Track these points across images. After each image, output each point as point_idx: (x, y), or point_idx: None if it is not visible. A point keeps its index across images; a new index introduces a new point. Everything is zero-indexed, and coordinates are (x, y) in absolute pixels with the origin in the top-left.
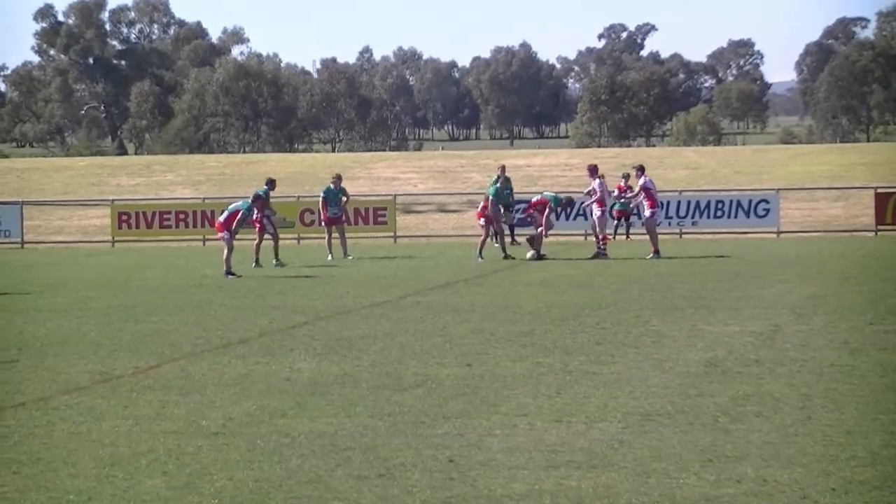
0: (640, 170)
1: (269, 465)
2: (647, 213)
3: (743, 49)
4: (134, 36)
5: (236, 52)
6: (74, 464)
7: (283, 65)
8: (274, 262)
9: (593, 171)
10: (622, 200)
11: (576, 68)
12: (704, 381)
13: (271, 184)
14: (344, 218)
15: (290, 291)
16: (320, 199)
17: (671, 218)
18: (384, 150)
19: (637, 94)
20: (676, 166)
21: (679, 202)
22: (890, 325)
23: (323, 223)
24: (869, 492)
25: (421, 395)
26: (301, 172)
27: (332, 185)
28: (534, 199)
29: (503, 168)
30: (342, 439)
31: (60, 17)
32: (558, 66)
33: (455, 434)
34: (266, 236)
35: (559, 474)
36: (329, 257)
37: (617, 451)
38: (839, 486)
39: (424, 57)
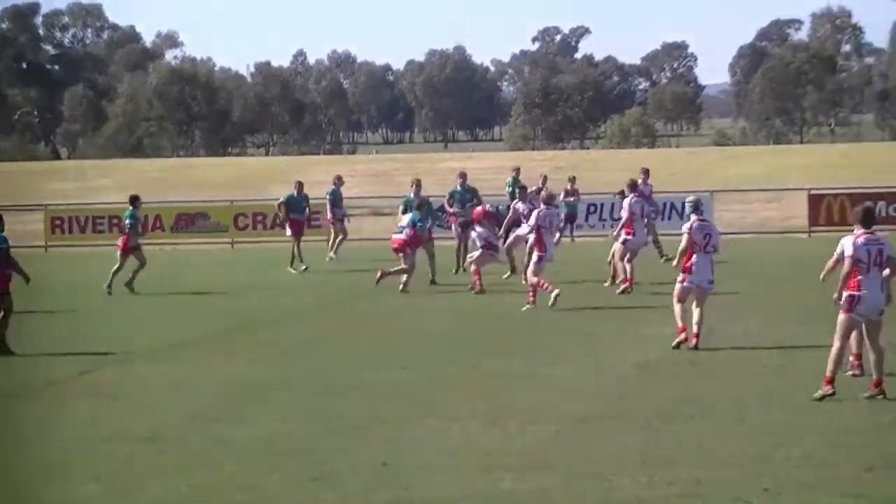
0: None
1: (204, 470)
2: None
3: (676, 51)
4: (68, 40)
5: (170, 56)
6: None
7: (217, 69)
8: (331, 255)
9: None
10: (568, 202)
11: (510, 71)
12: (639, 383)
13: (339, 181)
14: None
15: (227, 296)
16: (400, 210)
17: (605, 220)
18: (318, 154)
19: (571, 96)
20: (611, 169)
21: (613, 204)
22: (822, 326)
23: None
24: (803, 492)
25: (355, 399)
26: (236, 177)
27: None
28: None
29: (518, 170)
30: (277, 444)
31: None
32: (492, 69)
33: (389, 438)
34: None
35: (493, 478)
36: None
37: (551, 454)
38: (772, 486)
39: (359, 60)
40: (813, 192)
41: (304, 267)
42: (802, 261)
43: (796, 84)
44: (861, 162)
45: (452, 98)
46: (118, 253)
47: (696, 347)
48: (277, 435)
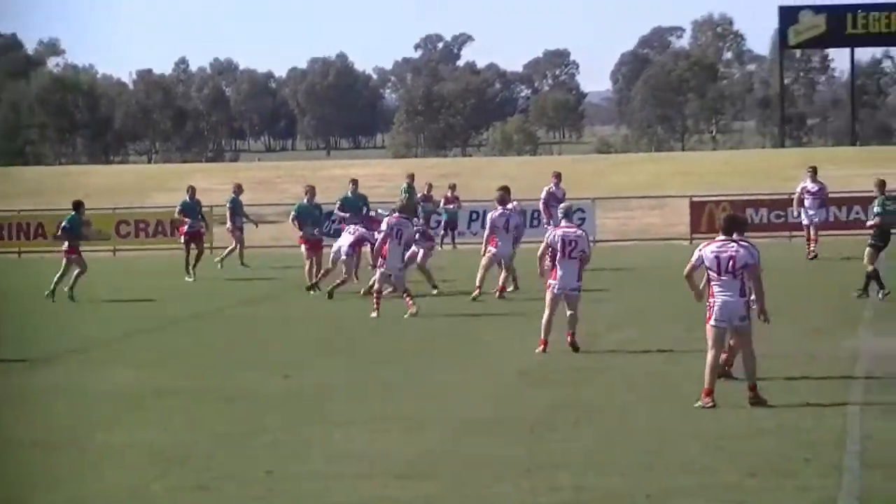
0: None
1: (88, 478)
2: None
3: (558, 59)
4: None
5: (52, 63)
6: None
7: (99, 76)
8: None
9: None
10: (448, 209)
11: (392, 79)
12: (522, 390)
13: (239, 189)
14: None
15: (110, 305)
16: (292, 216)
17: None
18: (200, 162)
19: (454, 104)
20: (494, 176)
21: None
22: (704, 332)
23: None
24: (685, 499)
25: (239, 406)
26: (118, 184)
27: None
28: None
29: (412, 177)
30: (160, 452)
31: None
32: (375, 76)
33: (274, 445)
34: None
35: (378, 484)
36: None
37: (434, 461)
38: (655, 493)
39: (241, 68)
40: (695, 199)
41: (190, 279)
42: (684, 267)
43: (678, 91)
44: (742, 169)
45: (335, 105)
46: (71, 257)
47: (572, 346)
48: (161, 442)
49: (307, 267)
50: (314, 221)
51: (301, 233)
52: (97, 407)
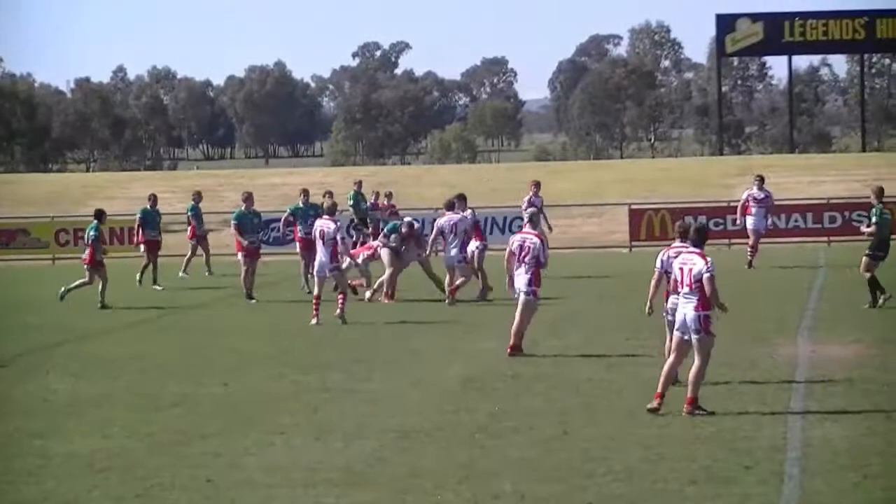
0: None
1: (26, 486)
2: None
3: (496, 67)
4: None
5: None
6: None
7: (37, 85)
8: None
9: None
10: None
11: (330, 87)
12: (462, 397)
13: (199, 196)
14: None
15: (47, 311)
16: (233, 224)
17: (427, 236)
18: (139, 170)
19: (392, 112)
20: (433, 184)
21: (435, 220)
22: (645, 340)
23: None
24: None
25: (178, 414)
26: (56, 193)
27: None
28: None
29: (360, 183)
30: (99, 460)
31: None
32: (313, 84)
33: (213, 453)
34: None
35: (317, 492)
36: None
37: (375, 469)
38: (596, 499)
39: (179, 76)
40: (633, 206)
41: (139, 282)
42: (623, 275)
43: (616, 99)
44: (681, 176)
45: (273, 114)
46: (85, 266)
47: (510, 354)
48: (99, 451)
49: (243, 274)
50: (252, 229)
51: (240, 240)
52: (34, 415)
